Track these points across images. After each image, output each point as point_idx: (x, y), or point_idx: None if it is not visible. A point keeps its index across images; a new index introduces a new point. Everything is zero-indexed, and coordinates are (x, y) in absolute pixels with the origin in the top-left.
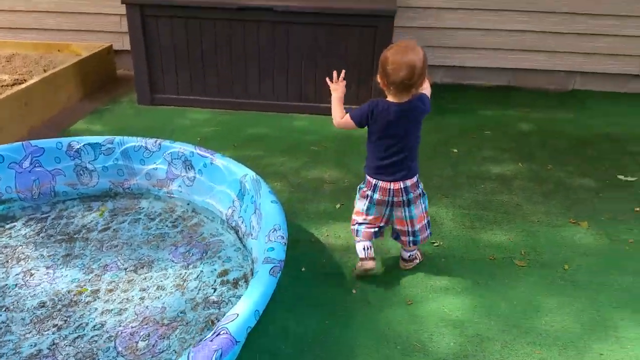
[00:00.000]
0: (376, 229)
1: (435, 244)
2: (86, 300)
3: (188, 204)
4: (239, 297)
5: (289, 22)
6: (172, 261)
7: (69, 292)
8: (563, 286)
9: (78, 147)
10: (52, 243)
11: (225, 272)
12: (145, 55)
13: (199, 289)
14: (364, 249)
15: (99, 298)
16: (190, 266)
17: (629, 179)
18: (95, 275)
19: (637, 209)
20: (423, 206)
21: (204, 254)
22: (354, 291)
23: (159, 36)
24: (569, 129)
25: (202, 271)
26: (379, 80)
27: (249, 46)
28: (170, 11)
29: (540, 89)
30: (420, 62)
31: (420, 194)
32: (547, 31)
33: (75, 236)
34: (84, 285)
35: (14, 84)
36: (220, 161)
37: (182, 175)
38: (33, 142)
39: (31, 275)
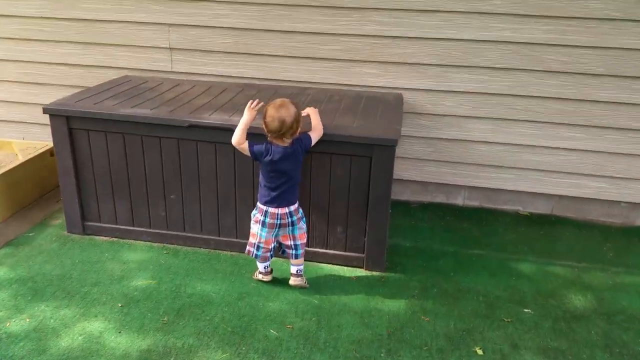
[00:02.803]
0: (270, 253)
1: None
2: None
3: None
4: None
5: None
6: None
7: None
8: None
9: None
10: None
11: None
12: (75, 176)
13: None
14: (264, 267)
15: None
16: None
17: None
18: None
19: None
20: (304, 227)
21: None
22: None
23: (92, 154)
24: None
25: None
26: (263, 127)
27: (204, 171)
28: (104, 125)
29: (595, 224)
30: (290, 117)
31: (300, 217)
32: (604, 151)
33: None
34: None
35: None
36: None
37: None
38: None
39: None
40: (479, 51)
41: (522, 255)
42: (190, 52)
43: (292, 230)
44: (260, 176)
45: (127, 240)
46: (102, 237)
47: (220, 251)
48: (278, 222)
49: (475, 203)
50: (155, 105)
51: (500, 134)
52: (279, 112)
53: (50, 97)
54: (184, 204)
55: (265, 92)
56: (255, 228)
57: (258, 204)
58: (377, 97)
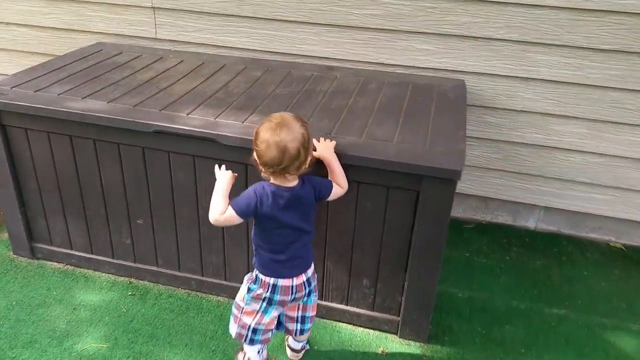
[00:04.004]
0: (273, 330)
1: None
2: None
3: None
4: None
5: (246, 164)
6: None
7: None
8: None
9: None
10: None
11: None
12: (15, 186)
13: None
14: (258, 352)
15: None
16: None
17: None
18: None
19: None
20: (316, 294)
21: None
22: None
23: (34, 160)
24: None
25: None
26: (255, 158)
27: (180, 192)
28: (45, 123)
29: None
30: (295, 142)
31: (317, 282)
32: None
33: None
34: None
35: None
36: None
37: None
38: None
39: None
40: (578, 24)
41: (620, 319)
42: (178, 13)
43: (306, 300)
44: (254, 236)
45: (85, 271)
46: (54, 263)
47: (203, 294)
48: (293, 297)
49: (551, 228)
50: (117, 93)
51: (599, 140)
52: (277, 134)
53: (12, 65)
54: (155, 232)
55: (276, 72)
56: (254, 306)
57: (258, 274)
58: (430, 86)
